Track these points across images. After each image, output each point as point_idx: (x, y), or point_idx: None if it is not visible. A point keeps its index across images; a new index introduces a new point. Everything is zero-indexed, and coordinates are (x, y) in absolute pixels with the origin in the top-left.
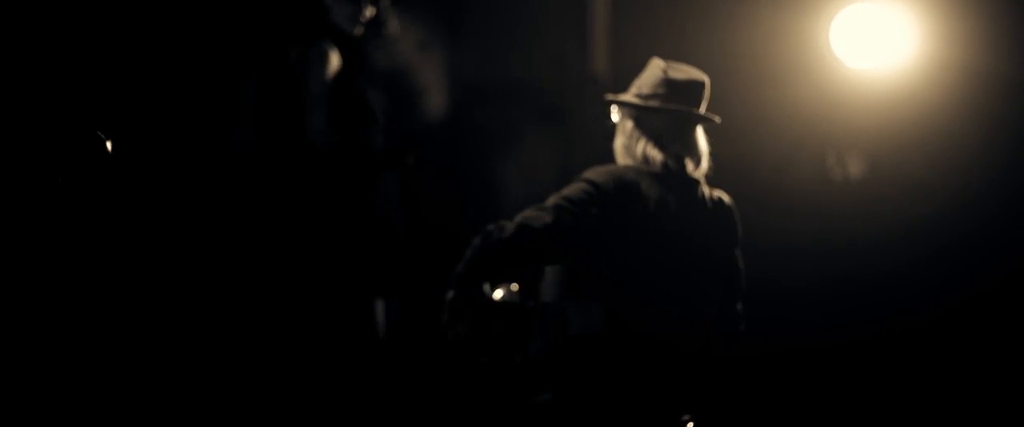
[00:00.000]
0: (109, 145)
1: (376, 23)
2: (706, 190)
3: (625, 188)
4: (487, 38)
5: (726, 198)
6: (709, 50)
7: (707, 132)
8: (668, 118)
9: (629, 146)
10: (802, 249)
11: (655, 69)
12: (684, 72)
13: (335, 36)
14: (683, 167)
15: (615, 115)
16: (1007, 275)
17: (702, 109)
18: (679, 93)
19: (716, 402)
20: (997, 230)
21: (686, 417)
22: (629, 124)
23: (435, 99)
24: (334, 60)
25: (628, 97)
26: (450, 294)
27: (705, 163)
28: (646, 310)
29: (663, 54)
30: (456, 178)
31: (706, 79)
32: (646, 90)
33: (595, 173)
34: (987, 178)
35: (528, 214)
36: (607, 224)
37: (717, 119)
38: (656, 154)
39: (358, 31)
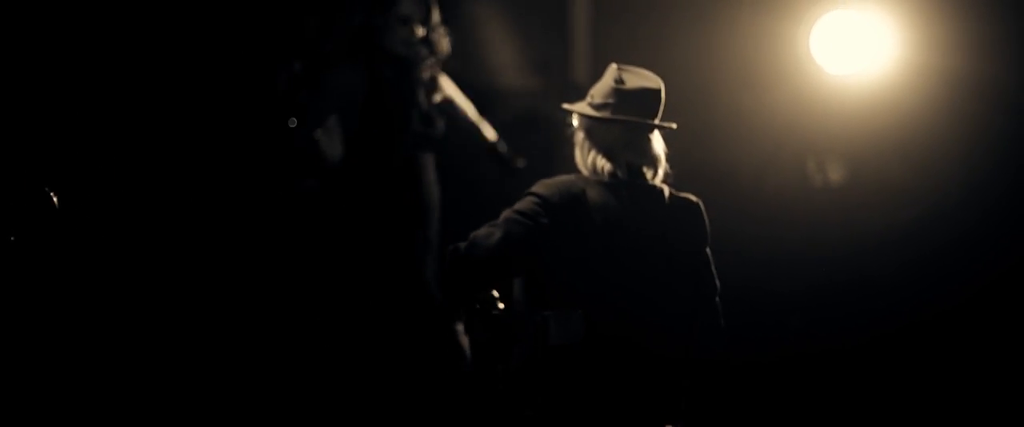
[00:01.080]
0: (55, 200)
1: (427, 42)
2: (666, 193)
3: (572, 198)
4: (470, 44)
5: (693, 199)
6: (690, 56)
7: (686, 138)
8: (618, 127)
9: (581, 156)
10: (782, 255)
11: (608, 78)
12: (637, 80)
13: (386, 56)
14: (637, 174)
15: (574, 123)
16: (988, 279)
17: (659, 113)
18: (629, 102)
19: (699, 409)
20: (978, 235)
21: (668, 426)
22: (581, 134)
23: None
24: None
25: (581, 106)
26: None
27: (662, 168)
28: (616, 316)
29: (645, 60)
30: (441, 184)
31: (659, 85)
32: (598, 99)
33: (542, 185)
34: (967, 183)
35: (480, 232)
36: (560, 233)
37: (672, 126)
38: (604, 164)
39: (411, 51)
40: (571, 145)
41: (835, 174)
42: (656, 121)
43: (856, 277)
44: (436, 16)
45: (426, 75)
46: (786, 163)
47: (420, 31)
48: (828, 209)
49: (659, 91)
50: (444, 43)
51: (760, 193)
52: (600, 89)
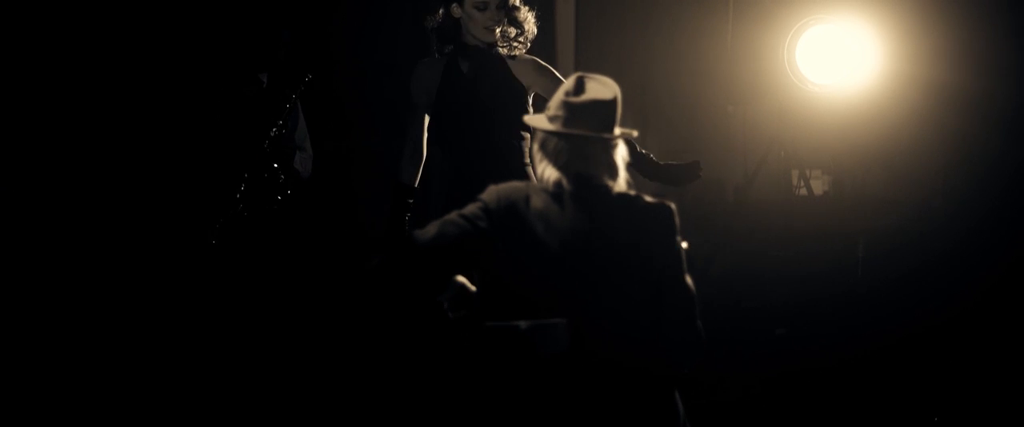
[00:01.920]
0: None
1: (512, 23)
2: (624, 201)
3: (513, 206)
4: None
5: (661, 205)
6: (673, 67)
7: (670, 150)
8: (565, 141)
9: (533, 166)
10: (766, 266)
11: (561, 90)
12: (591, 91)
13: (467, 47)
14: (586, 184)
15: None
16: (971, 289)
17: (613, 123)
18: (579, 115)
19: (677, 420)
20: (961, 245)
21: None
22: (535, 145)
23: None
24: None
25: (536, 119)
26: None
27: (620, 176)
28: (577, 323)
29: (628, 69)
30: (423, 185)
31: (613, 95)
32: (551, 111)
33: (488, 192)
34: (950, 194)
35: (421, 229)
36: (502, 240)
37: (614, 137)
38: (551, 174)
39: (491, 38)
40: None
41: (818, 185)
42: (609, 132)
43: (840, 288)
44: None
45: (510, 55)
46: (771, 174)
47: (498, 16)
48: (812, 220)
49: (611, 102)
50: (529, 24)
51: (744, 204)
52: (554, 101)
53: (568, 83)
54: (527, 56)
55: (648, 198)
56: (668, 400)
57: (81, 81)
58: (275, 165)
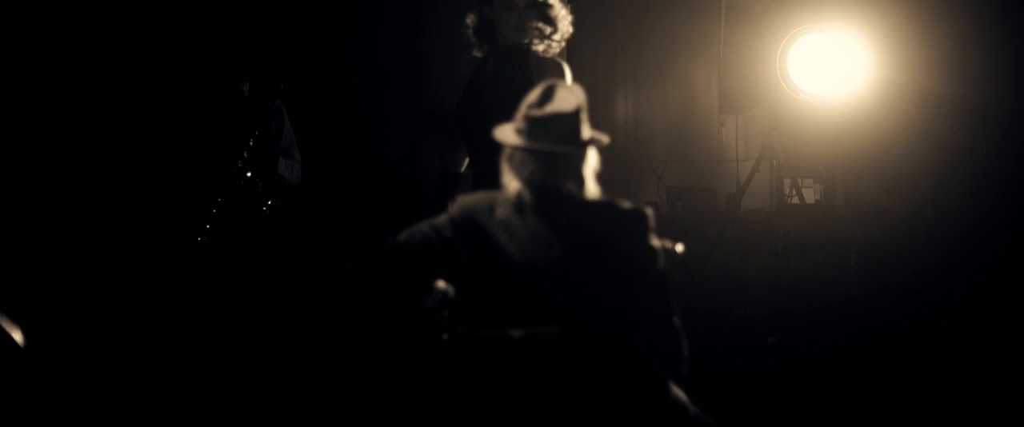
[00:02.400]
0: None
1: (545, 21)
2: (590, 209)
3: (474, 217)
4: (446, 66)
5: (632, 211)
6: (665, 78)
7: (662, 161)
8: (530, 152)
9: (500, 175)
10: (758, 274)
11: (525, 101)
12: (554, 102)
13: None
14: (551, 194)
15: None
16: (962, 298)
17: (576, 133)
18: (540, 128)
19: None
20: (951, 254)
21: None
22: (504, 155)
23: (395, 120)
24: None
25: (502, 132)
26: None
27: (586, 184)
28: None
29: (619, 81)
30: (418, 195)
31: (574, 106)
32: (516, 124)
33: (456, 202)
34: (941, 203)
35: (391, 238)
36: (465, 250)
37: (574, 150)
38: (512, 185)
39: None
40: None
41: (810, 192)
42: (573, 144)
43: (832, 296)
44: None
45: (544, 53)
46: (763, 183)
47: (527, 16)
48: (804, 228)
49: (572, 114)
50: (563, 22)
51: (736, 213)
52: (519, 113)
53: (533, 94)
54: (555, 58)
55: (622, 203)
56: (657, 402)
57: (56, 86)
58: (249, 173)
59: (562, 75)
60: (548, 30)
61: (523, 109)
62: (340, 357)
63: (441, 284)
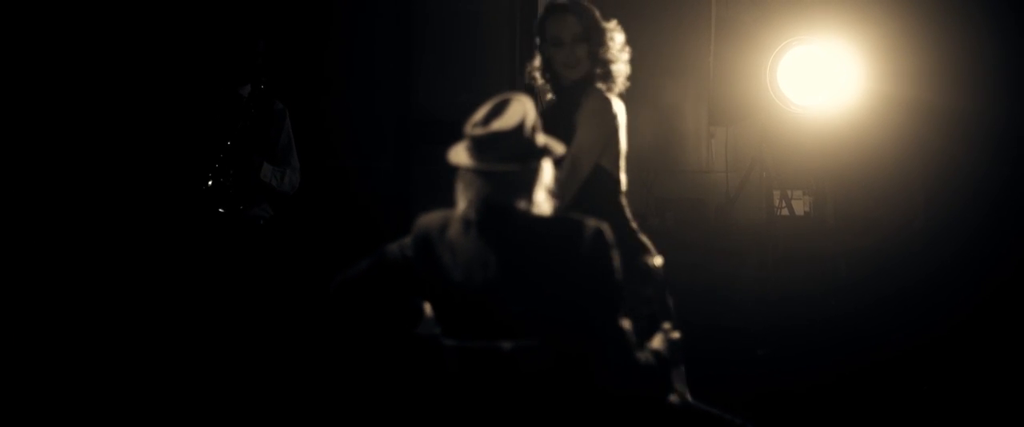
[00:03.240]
0: None
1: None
2: (542, 226)
3: (425, 235)
4: (435, 77)
5: (580, 224)
6: (655, 89)
7: (651, 172)
8: (475, 172)
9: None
10: (747, 287)
11: (471, 119)
12: (492, 124)
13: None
14: (495, 213)
15: None
16: (953, 310)
17: (522, 147)
18: (482, 147)
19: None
20: (941, 266)
21: None
22: (458, 174)
23: (386, 130)
24: None
25: (454, 151)
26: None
27: (537, 199)
28: (462, 349)
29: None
30: (406, 213)
31: (514, 124)
32: (465, 143)
33: (417, 220)
34: (931, 215)
35: (366, 257)
36: (421, 267)
37: (512, 168)
38: (460, 202)
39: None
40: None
41: (800, 205)
42: (515, 162)
43: (821, 309)
44: (604, 32)
45: (608, 88)
46: (752, 195)
47: (574, 52)
48: (793, 240)
49: (512, 132)
50: (616, 61)
51: (725, 224)
52: (465, 131)
53: (479, 111)
54: (596, 99)
55: (576, 220)
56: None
57: (45, 86)
58: (219, 179)
59: (605, 110)
60: (600, 70)
61: (468, 127)
62: (328, 368)
63: (428, 308)
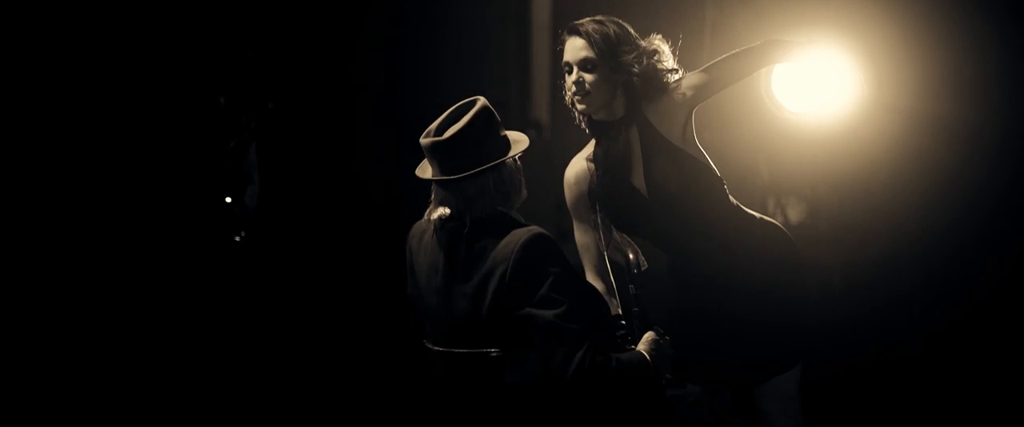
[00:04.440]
0: None
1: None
2: (483, 234)
3: (409, 243)
4: (427, 84)
5: (516, 232)
6: None
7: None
8: (432, 182)
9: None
10: None
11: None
12: (429, 135)
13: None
14: (446, 222)
15: None
16: (950, 321)
17: (460, 154)
18: (431, 157)
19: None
20: (939, 276)
21: None
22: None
23: (375, 146)
24: None
25: (421, 165)
26: None
27: (474, 208)
28: (433, 357)
29: None
30: (398, 225)
31: (451, 133)
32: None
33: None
34: (928, 225)
35: None
36: (408, 272)
37: (454, 177)
38: (428, 211)
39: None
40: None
41: (794, 214)
42: (454, 172)
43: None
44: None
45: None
46: (746, 202)
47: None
48: None
49: (446, 142)
50: (598, 83)
51: None
52: None
53: (436, 120)
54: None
55: (516, 226)
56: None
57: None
58: (228, 199)
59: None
60: (583, 95)
61: (421, 137)
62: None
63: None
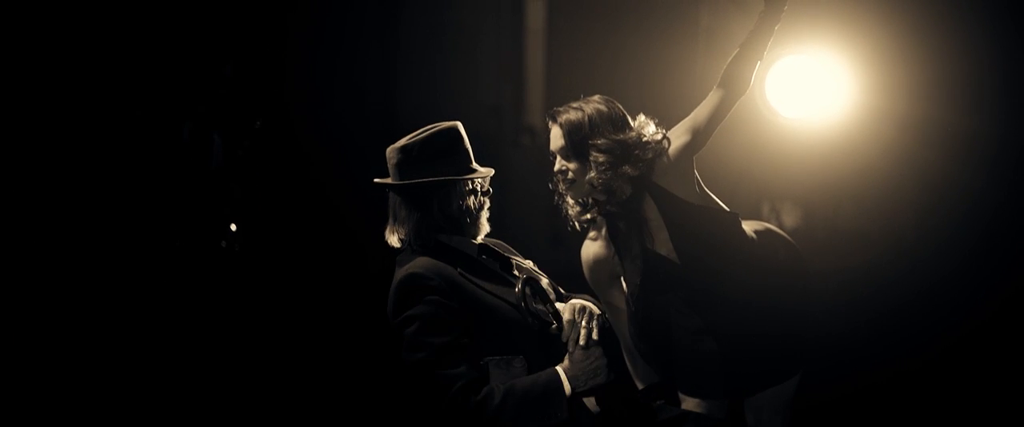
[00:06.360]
0: None
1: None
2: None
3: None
4: (422, 88)
5: (398, 274)
6: (644, 102)
7: None
8: None
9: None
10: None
11: None
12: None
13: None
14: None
15: None
16: (945, 328)
17: (396, 176)
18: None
19: None
20: (934, 283)
21: None
22: None
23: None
24: None
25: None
26: None
27: (399, 232)
28: None
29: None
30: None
31: (391, 147)
32: None
33: None
34: (923, 231)
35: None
36: None
37: (384, 182)
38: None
39: None
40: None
41: (789, 218)
42: (392, 181)
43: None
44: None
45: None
46: (740, 208)
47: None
48: None
49: (389, 156)
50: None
51: None
52: None
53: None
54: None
55: (402, 268)
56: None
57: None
58: (233, 227)
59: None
60: (569, 184)
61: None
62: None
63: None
